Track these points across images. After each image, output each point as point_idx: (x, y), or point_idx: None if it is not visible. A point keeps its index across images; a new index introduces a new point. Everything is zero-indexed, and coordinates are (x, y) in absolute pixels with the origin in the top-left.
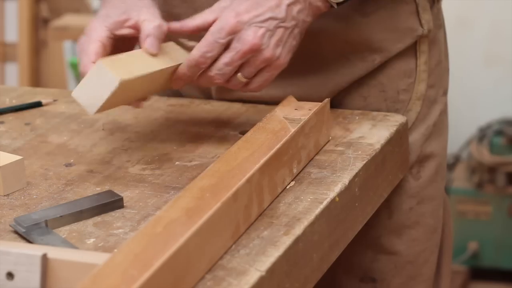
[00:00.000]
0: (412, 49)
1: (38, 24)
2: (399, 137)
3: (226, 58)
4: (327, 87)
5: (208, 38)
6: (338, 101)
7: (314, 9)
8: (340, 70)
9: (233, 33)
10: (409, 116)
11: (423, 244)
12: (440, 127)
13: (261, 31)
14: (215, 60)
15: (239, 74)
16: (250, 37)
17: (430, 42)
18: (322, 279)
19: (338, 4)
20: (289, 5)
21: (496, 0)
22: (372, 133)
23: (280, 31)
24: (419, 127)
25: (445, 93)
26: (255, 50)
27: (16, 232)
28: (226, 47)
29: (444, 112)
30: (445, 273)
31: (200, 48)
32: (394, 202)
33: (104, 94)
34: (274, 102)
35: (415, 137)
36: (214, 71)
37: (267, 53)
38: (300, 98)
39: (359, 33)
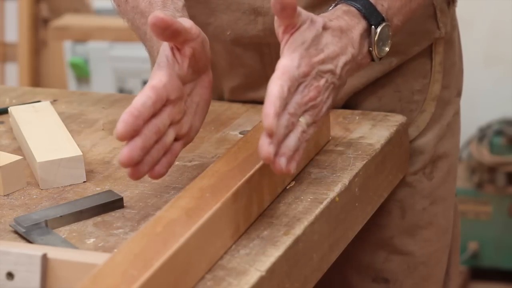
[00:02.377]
0: (427, 50)
1: (38, 24)
2: (399, 137)
3: (297, 98)
4: (343, 90)
5: (289, 72)
6: (352, 102)
7: (358, 66)
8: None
9: (306, 77)
10: (424, 117)
11: (436, 245)
12: (453, 127)
13: (323, 81)
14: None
15: (302, 117)
16: (315, 84)
17: (445, 43)
18: (334, 279)
19: (380, 58)
20: (344, 65)
21: (496, 1)
22: (372, 133)
23: (334, 91)
24: (433, 127)
25: (459, 94)
26: (316, 99)
27: (16, 232)
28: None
29: (457, 113)
30: (454, 274)
31: (285, 82)
32: (407, 203)
33: None
34: None
35: (429, 138)
36: (291, 109)
37: (324, 108)
38: None
39: None
